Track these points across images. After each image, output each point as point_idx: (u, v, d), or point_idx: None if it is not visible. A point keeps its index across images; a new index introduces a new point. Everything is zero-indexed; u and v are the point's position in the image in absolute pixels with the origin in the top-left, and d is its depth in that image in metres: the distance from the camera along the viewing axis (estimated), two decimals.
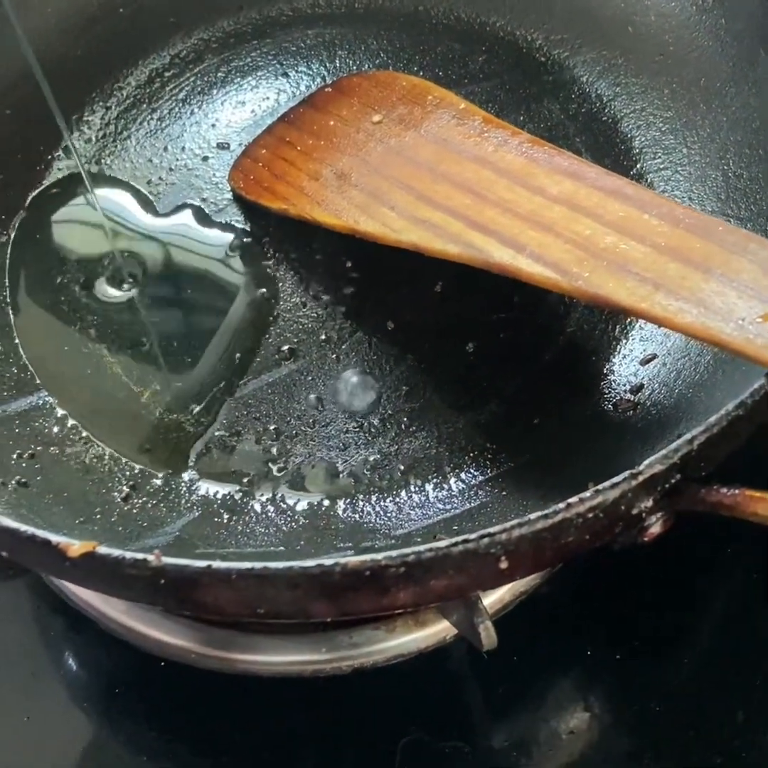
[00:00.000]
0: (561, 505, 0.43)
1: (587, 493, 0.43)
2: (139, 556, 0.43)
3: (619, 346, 0.62)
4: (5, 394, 0.62)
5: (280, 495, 0.59)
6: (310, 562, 0.42)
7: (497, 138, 0.61)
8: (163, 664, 0.64)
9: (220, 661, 0.63)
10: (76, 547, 0.43)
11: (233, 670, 0.63)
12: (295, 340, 0.64)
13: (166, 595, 0.44)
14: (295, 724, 0.63)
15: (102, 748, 0.63)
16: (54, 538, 0.44)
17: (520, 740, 0.63)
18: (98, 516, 0.57)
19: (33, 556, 0.45)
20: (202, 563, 0.43)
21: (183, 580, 0.43)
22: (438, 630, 0.63)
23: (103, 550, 0.43)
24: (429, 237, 0.58)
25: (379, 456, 0.60)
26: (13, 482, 0.57)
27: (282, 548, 0.57)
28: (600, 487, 0.44)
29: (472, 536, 0.43)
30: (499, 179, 0.59)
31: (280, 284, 0.66)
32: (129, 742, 0.63)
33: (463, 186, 0.60)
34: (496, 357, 0.63)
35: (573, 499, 0.43)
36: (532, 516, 0.43)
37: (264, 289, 0.66)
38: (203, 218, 0.68)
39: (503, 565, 0.44)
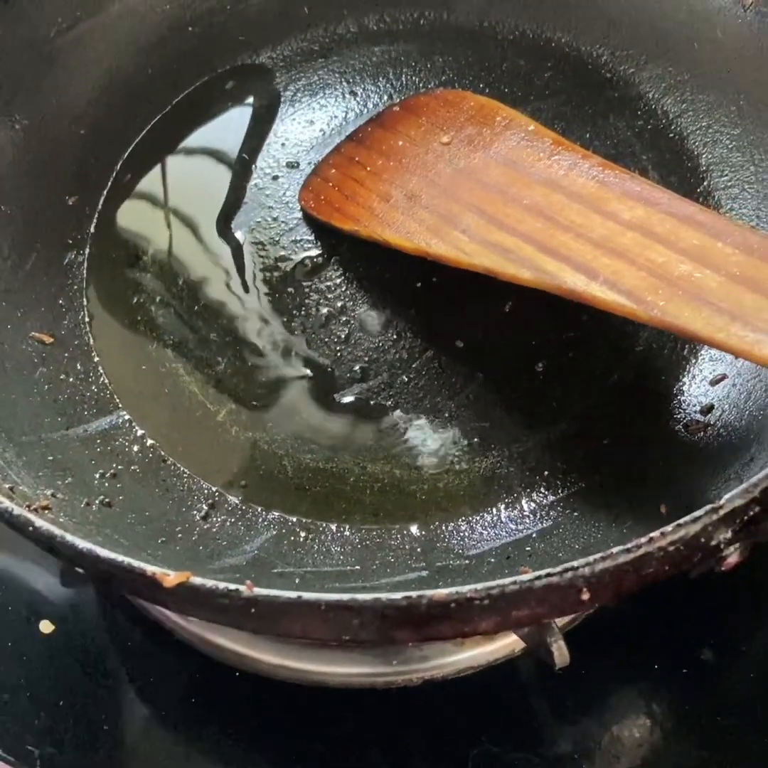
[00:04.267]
0: (643, 540, 0.44)
1: (669, 528, 0.44)
2: (232, 586, 0.45)
3: (688, 366, 0.63)
4: (86, 413, 0.63)
5: (355, 512, 0.60)
6: (397, 595, 0.44)
7: (568, 161, 0.62)
8: (238, 674, 0.66)
9: (294, 673, 0.65)
10: (171, 577, 0.45)
11: (307, 681, 0.65)
12: (366, 360, 0.65)
13: (257, 622, 0.46)
14: (366, 734, 0.65)
15: (179, 758, 0.65)
16: (150, 568, 0.45)
17: (587, 751, 0.64)
18: (179, 535, 0.59)
19: (128, 584, 0.46)
20: (292, 594, 0.44)
21: (274, 609, 0.45)
22: (507, 643, 0.65)
23: (196, 580, 0.45)
24: (501, 261, 0.59)
25: (451, 475, 0.61)
26: (97, 502, 0.58)
27: (358, 567, 0.58)
28: (682, 521, 0.44)
29: (556, 570, 0.44)
30: (570, 203, 0.60)
31: (350, 303, 0.67)
32: (206, 751, 0.65)
33: (534, 209, 0.60)
34: (565, 376, 0.63)
35: (655, 534, 0.44)
36: (615, 550, 0.44)
37: (334, 308, 0.67)
38: (274, 237, 0.69)
39: (585, 596, 0.45)
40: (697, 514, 0.44)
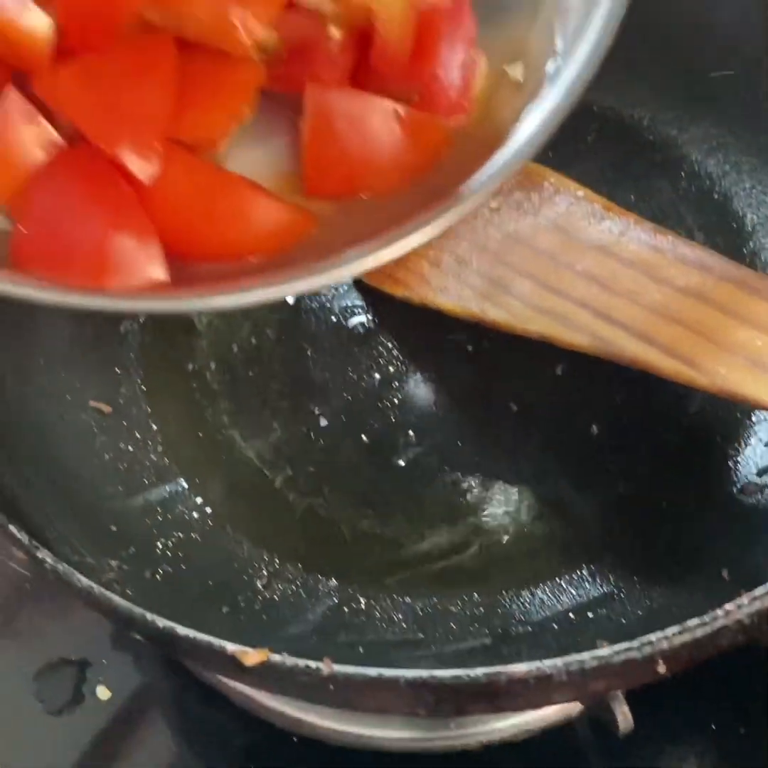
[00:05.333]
0: (719, 612, 0.45)
1: (745, 600, 0.45)
2: (312, 664, 0.45)
3: (743, 428, 0.63)
4: (145, 482, 0.64)
5: (415, 579, 0.61)
6: (477, 672, 0.44)
7: (619, 226, 0.62)
8: (295, 739, 0.66)
9: (353, 738, 0.65)
10: (251, 655, 0.45)
11: (366, 745, 0.65)
12: (421, 424, 0.66)
13: (335, 697, 0.46)
14: None
15: None
16: (230, 646, 0.46)
17: None
18: (242, 604, 0.59)
19: (207, 661, 0.47)
20: (373, 671, 0.44)
21: (353, 686, 0.45)
22: (565, 707, 0.65)
23: (276, 657, 0.45)
24: (557, 327, 0.60)
25: (509, 540, 0.61)
26: (160, 572, 0.59)
27: (421, 635, 0.58)
28: (757, 594, 0.45)
29: (634, 644, 0.44)
30: (623, 269, 0.60)
31: (403, 368, 0.68)
32: None
33: (587, 275, 0.61)
34: (620, 439, 0.64)
35: (730, 606, 0.45)
36: (691, 622, 0.45)
37: (387, 373, 0.68)
38: (325, 303, 0.70)
39: (661, 668, 0.45)
40: None
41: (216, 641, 0.46)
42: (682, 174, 0.73)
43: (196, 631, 0.46)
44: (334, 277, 0.41)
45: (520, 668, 0.44)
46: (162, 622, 0.46)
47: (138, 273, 0.39)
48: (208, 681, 0.69)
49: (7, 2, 0.36)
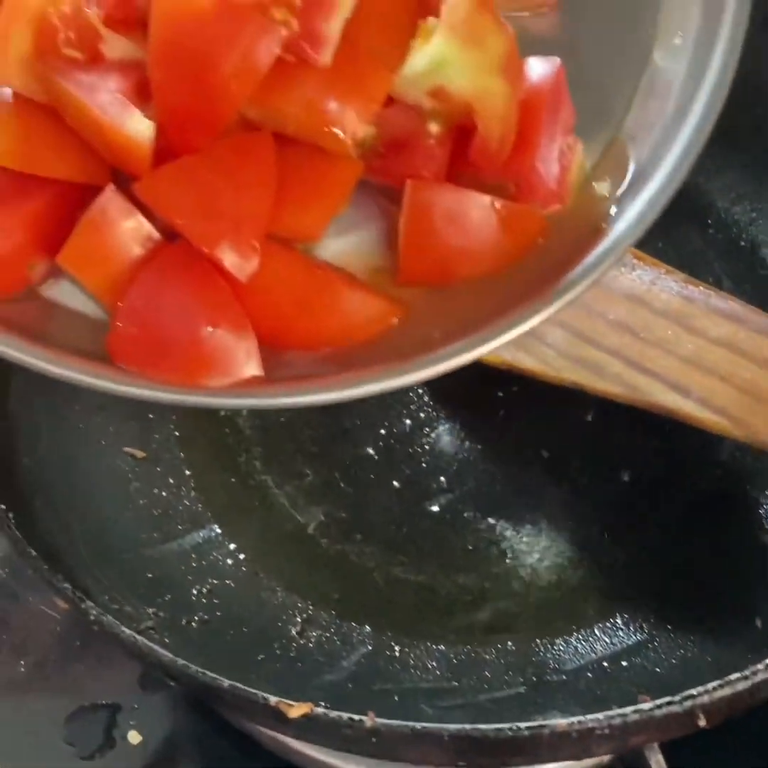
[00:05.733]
0: (760, 666, 0.45)
1: None
2: (356, 717, 0.45)
3: None
4: (179, 527, 0.64)
5: (449, 626, 0.61)
6: (522, 725, 0.44)
7: (650, 276, 0.63)
8: None
9: None
10: (295, 708, 0.46)
11: None
12: (452, 470, 0.66)
13: (377, 749, 0.46)
14: None
15: None
16: (273, 698, 0.46)
17: None
18: (278, 651, 0.59)
19: (249, 712, 0.47)
20: (417, 725, 0.45)
21: (396, 739, 0.45)
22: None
23: (319, 710, 0.46)
24: (590, 376, 0.60)
25: (543, 588, 0.62)
26: (196, 620, 0.59)
27: (455, 683, 0.59)
28: None
29: (676, 698, 0.45)
30: (656, 319, 0.61)
31: (433, 414, 0.68)
32: None
33: (620, 325, 0.62)
34: (651, 486, 0.64)
35: None
36: (732, 676, 0.45)
37: (418, 419, 0.68)
38: None
39: (701, 722, 0.45)
40: None
41: (259, 693, 0.46)
42: (709, 221, 0.73)
43: (239, 684, 0.46)
44: (429, 374, 0.41)
45: (562, 722, 0.44)
46: (205, 674, 0.47)
47: (235, 370, 0.40)
48: (239, 726, 0.69)
49: (110, 106, 0.37)
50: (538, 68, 0.42)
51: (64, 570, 0.53)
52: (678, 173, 0.44)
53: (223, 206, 0.38)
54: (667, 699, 0.45)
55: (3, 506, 0.53)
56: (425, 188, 0.41)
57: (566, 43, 0.45)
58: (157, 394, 0.40)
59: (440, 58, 0.39)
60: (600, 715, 0.44)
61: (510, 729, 0.44)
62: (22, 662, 0.72)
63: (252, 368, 0.40)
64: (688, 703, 0.45)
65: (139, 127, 0.37)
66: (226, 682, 0.46)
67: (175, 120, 0.37)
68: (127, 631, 0.48)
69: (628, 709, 0.44)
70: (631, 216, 0.44)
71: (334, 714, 0.45)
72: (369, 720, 0.45)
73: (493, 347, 0.41)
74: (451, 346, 0.42)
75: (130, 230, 0.40)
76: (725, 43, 0.42)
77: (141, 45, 0.38)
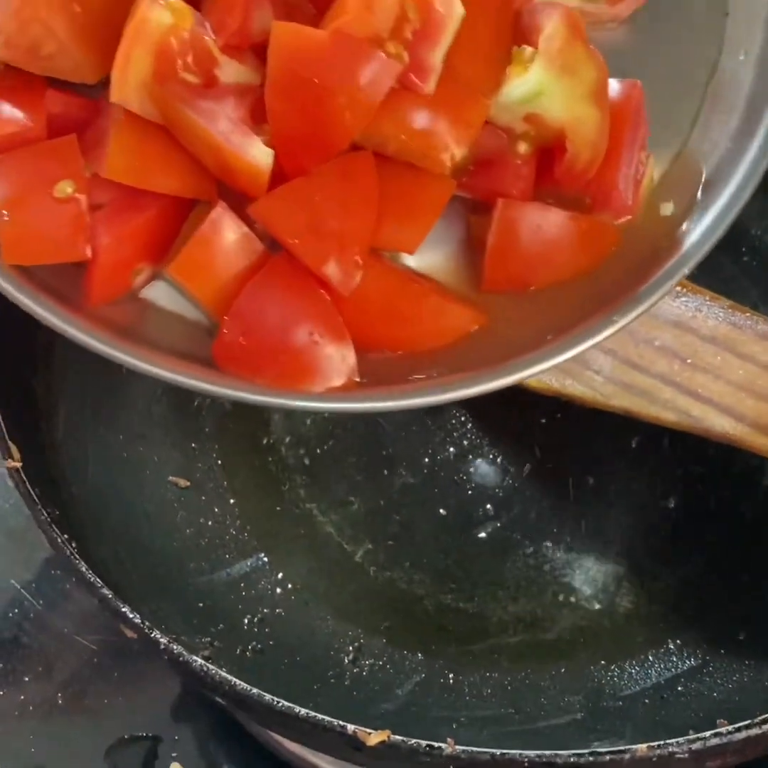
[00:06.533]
0: None
1: None
2: (435, 744, 0.45)
3: None
4: (227, 557, 0.64)
5: (502, 654, 0.61)
6: (602, 750, 0.44)
7: (695, 302, 0.63)
8: None
9: None
10: (373, 736, 0.45)
11: None
12: (498, 496, 0.66)
13: None
14: None
15: None
16: (350, 726, 0.46)
17: None
18: (332, 680, 0.59)
19: (323, 742, 0.47)
20: (497, 751, 0.45)
21: (475, 765, 0.45)
22: None
23: (397, 738, 0.46)
24: (641, 402, 0.61)
25: (593, 614, 0.62)
26: (250, 649, 0.59)
27: (512, 710, 0.59)
28: None
29: (756, 721, 0.45)
30: (704, 345, 0.61)
31: (477, 441, 0.68)
32: None
33: (668, 351, 0.62)
34: (696, 511, 0.65)
35: None
36: None
37: (462, 447, 0.68)
38: None
39: None
40: None
41: (335, 722, 0.46)
42: (743, 248, 0.74)
43: (315, 713, 0.46)
44: (512, 380, 0.43)
45: (643, 747, 0.44)
46: (281, 703, 0.47)
47: (335, 376, 0.42)
48: (281, 756, 0.68)
49: (232, 134, 0.38)
50: (620, 89, 0.44)
51: (124, 599, 0.53)
52: (744, 191, 0.45)
53: (330, 226, 0.40)
54: (747, 722, 0.45)
55: (66, 536, 0.52)
56: (514, 207, 0.43)
57: (635, 57, 0.46)
58: (254, 397, 0.42)
59: (537, 88, 0.41)
60: (681, 739, 0.44)
61: (590, 754, 0.44)
62: (60, 694, 0.71)
63: (350, 374, 0.42)
64: (767, 726, 0.45)
65: (259, 154, 0.38)
66: (301, 711, 0.46)
67: (291, 146, 0.38)
68: (199, 660, 0.48)
69: (708, 733, 0.44)
70: (695, 235, 0.45)
71: (412, 741, 0.45)
72: (449, 747, 0.45)
73: (548, 366, 0.43)
74: (521, 358, 0.43)
75: (239, 244, 0.41)
76: None
77: (254, 70, 0.39)
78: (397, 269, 0.44)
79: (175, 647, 0.48)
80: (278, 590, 0.63)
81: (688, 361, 0.61)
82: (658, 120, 0.46)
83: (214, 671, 0.48)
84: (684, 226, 0.45)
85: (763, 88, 0.46)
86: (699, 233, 0.45)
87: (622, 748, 0.44)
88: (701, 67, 0.47)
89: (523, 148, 0.43)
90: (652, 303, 0.43)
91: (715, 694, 0.57)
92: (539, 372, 0.43)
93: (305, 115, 0.37)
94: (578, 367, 0.64)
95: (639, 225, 0.45)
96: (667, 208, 0.46)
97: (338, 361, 0.42)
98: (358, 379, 0.42)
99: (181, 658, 0.48)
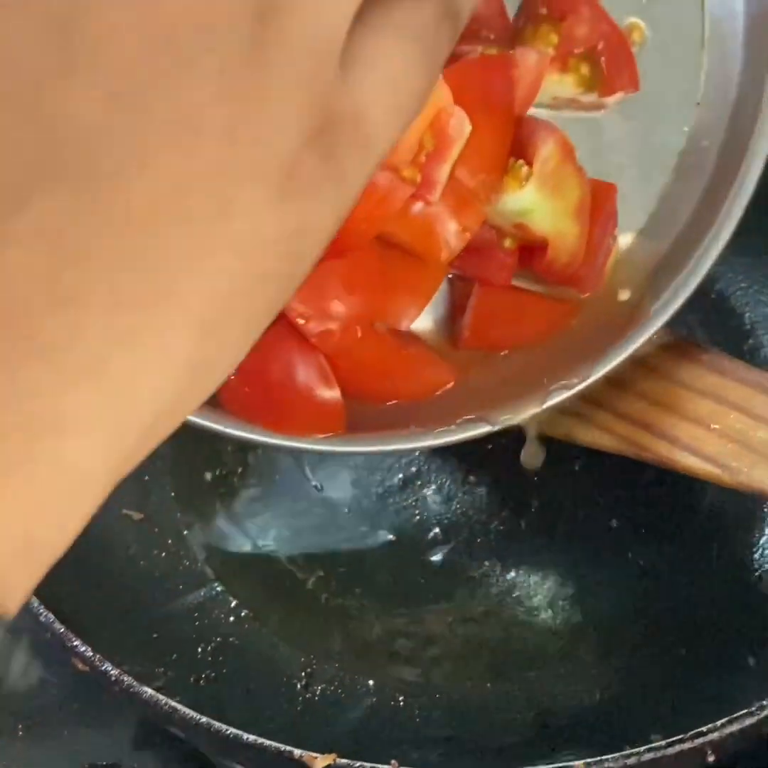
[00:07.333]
0: (765, 702, 0.47)
1: None
2: (380, 766, 0.46)
3: (757, 517, 0.66)
4: (181, 587, 0.65)
5: (451, 675, 0.62)
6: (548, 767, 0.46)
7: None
8: None
9: None
10: (319, 759, 0.47)
11: None
12: (446, 521, 0.68)
13: None
14: None
15: None
16: (297, 751, 0.47)
17: None
18: (285, 705, 0.60)
19: (272, 766, 0.48)
20: None
21: None
22: None
23: (343, 761, 0.47)
24: (578, 427, 0.63)
25: (542, 633, 0.64)
26: (204, 677, 0.60)
27: (462, 731, 0.60)
28: None
29: (687, 735, 0.47)
30: (637, 369, 0.63)
31: (425, 467, 0.70)
32: None
33: (603, 377, 0.64)
34: (639, 532, 0.66)
35: None
36: (738, 713, 0.47)
37: (409, 473, 0.70)
38: None
39: (710, 758, 0.47)
40: None
41: (283, 747, 0.47)
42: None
43: (263, 739, 0.47)
44: (483, 431, 0.48)
45: (579, 763, 0.46)
46: (228, 730, 0.48)
47: (324, 426, 0.47)
48: None
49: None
50: (597, 191, 0.48)
51: (77, 632, 0.54)
52: (699, 272, 0.48)
53: (336, 310, 0.46)
54: (679, 737, 0.46)
55: None
56: (493, 293, 0.49)
57: (609, 137, 0.51)
58: (254, 437, 0.47)
59: (530, 206, 0.46)
60: (616, 754, 0.46)
61: None
62: (20, 725, 0.72)
63: (339, 425, 0.47)
64: (699, 741, 0.46)
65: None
66: (248, 737, 0.47)
67: None
68: (150, 690, 0.49)
69: (642, 748, 0.46)
70: (651, 311, 0.48)
71: (357, 764, 0.47)
72: None
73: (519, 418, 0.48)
74: (493, 410, 0.49)
75: None
76: (751, 156, 0.47)
77: None
78: (388, 337, 0.49)
79: (125, 678, 0.49)
80: (232, 618, 0.64)
81: (626, 386, 0.63)
82: (625, 200, 0.50)
83: (164, 701, 0.49)
84: (640, 307, 0.50)
85: (723, 178, 0.49)
86: (655, 309, 0.49)
87: (562, 764, 0.46)
88: (669, 151, 0.51)
89: (508, 243, 0.48)
90: (608, 370, 0.49)
91: (659, 711, 0.59)
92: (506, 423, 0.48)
93: None
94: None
95: (599, 302, 0.50)
96: (624, 294, 0.51)
97: (330, 412, 0.47)
98: (345, 430, 0.47)
99: (131, 689, 0.49)
